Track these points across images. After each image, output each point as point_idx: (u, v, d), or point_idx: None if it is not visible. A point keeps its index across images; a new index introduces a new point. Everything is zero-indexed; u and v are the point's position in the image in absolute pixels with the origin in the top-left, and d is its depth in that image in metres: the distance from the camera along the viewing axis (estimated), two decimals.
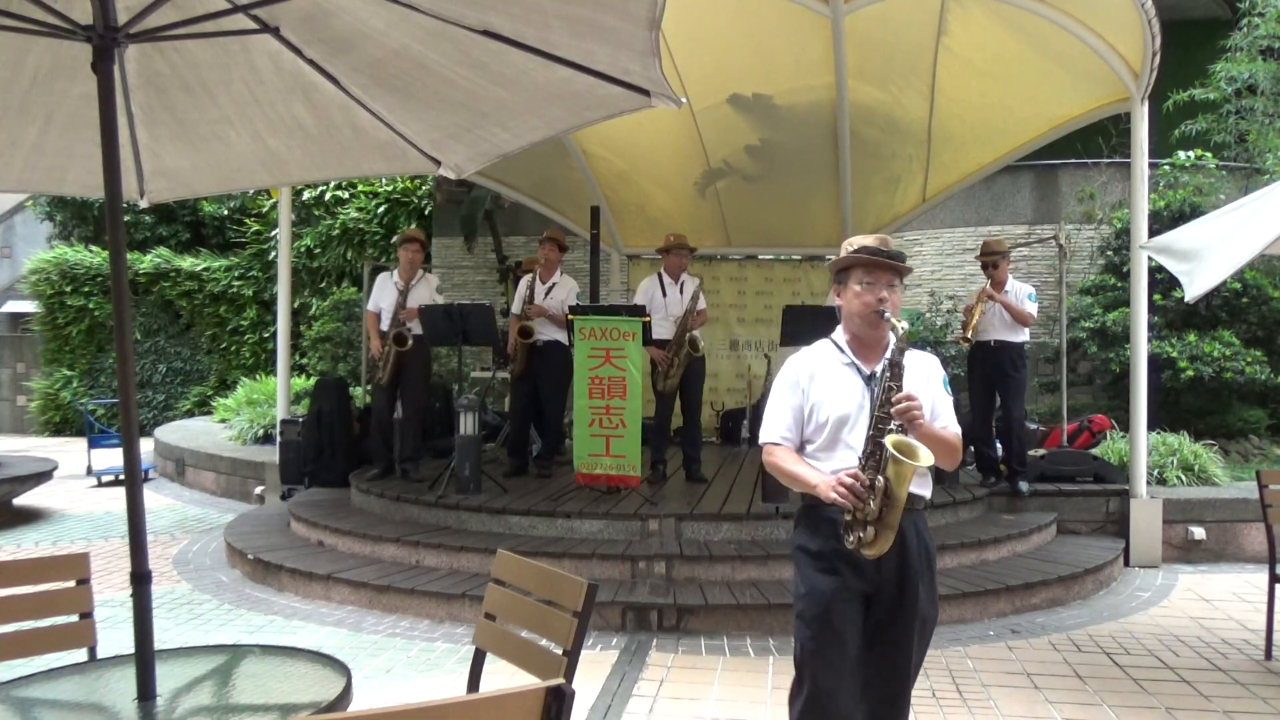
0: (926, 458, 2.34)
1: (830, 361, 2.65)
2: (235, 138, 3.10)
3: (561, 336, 6.83)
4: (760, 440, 2.70)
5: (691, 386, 6.79)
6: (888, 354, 2.50)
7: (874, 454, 2.42)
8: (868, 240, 2.64)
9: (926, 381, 2.61)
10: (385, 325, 6.95)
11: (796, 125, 8.06)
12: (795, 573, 2.65)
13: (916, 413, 2.38)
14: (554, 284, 6.97)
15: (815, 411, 2.60)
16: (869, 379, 2.57)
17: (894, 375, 2.44)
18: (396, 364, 6.92)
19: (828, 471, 2.52)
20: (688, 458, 6.95)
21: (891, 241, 2.66)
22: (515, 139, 2.96)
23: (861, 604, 2.55)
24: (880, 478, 2.38)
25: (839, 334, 2.70)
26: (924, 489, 2.60)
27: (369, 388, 8.36)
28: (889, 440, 2.37)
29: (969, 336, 6.65)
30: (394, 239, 8.87)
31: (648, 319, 6.30)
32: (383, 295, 7.06)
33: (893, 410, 2.39)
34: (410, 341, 6.85)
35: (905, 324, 2.48)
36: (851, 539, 2.44)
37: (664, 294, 6.74)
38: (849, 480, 2.40)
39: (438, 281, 7.31)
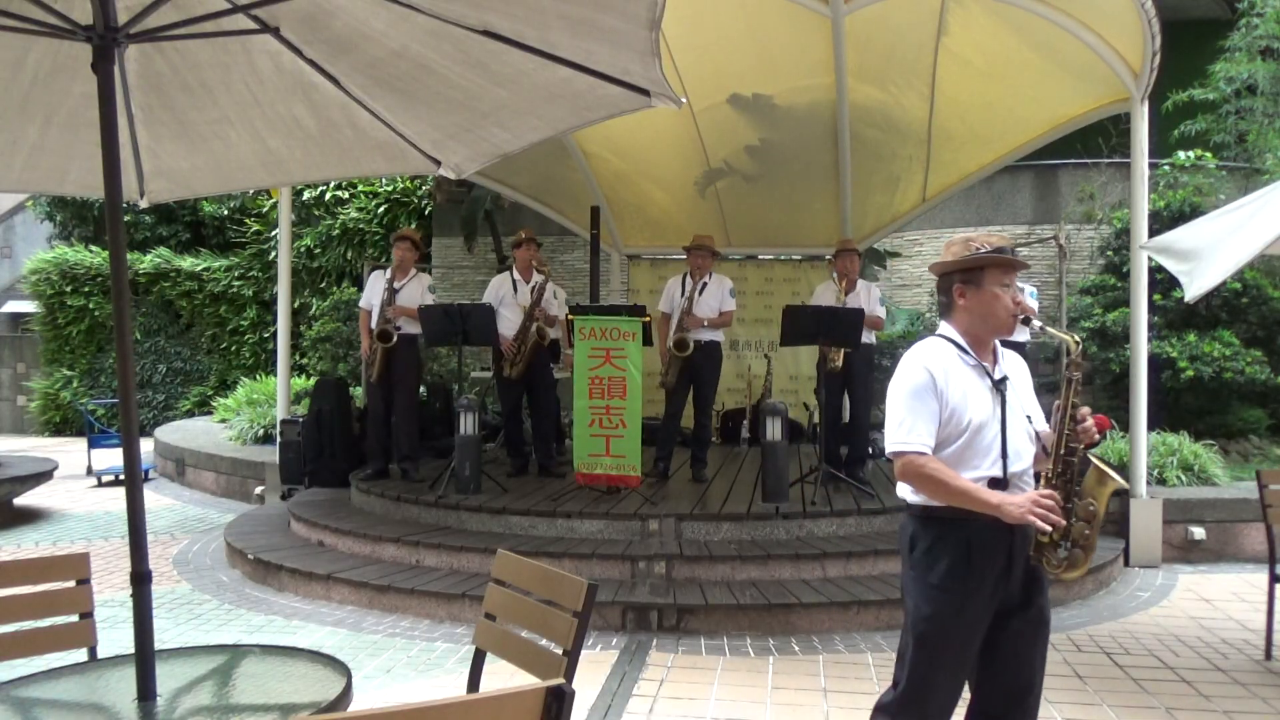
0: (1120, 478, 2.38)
1: (958, 362, 2.49)
2: (235, 138, 3.10)
3: (553, 333, 6.98)
4: (896, 448, 2.45)
5: (702, 389, 6.81)
6: (1066, 363, 2.51)
7: (1064, 473, 2.40)
8: (993, 239, 2.53)
9: (1028, 386, 2.60)
10: (375, 323, 6.93)
11: (796, 125, 8.06)
12: (917, 591, 2.47)
13: (1096, 435, 2.40)
14: (535, 283, 6.83)
15: (955, 417, 2.43)
16: (997, 383, 2.49)
17: (1075, 391, 2.41)
18: (384, 361, 6.90)
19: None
20: (694, 458, 6.97)
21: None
22: (515, 139, 2.97)
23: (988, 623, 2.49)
24: (1090, 500, 2.40)
25: (951, 333, 2.54)
26: None
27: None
28: (1100, 461, 2.42)
29: None
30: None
31: (648, 319, 6.32)
32: (374, 292, 7.02)
33: (1078, 428, 2.39)
34: (395, 339, 6.82)
35: (1076, 336, 2.54)
36: (1054, 562, 2.42)
37: (682, 292, 6.78)
38: (1047, 503, 2.31)
39: (431, 281, 7.27)
